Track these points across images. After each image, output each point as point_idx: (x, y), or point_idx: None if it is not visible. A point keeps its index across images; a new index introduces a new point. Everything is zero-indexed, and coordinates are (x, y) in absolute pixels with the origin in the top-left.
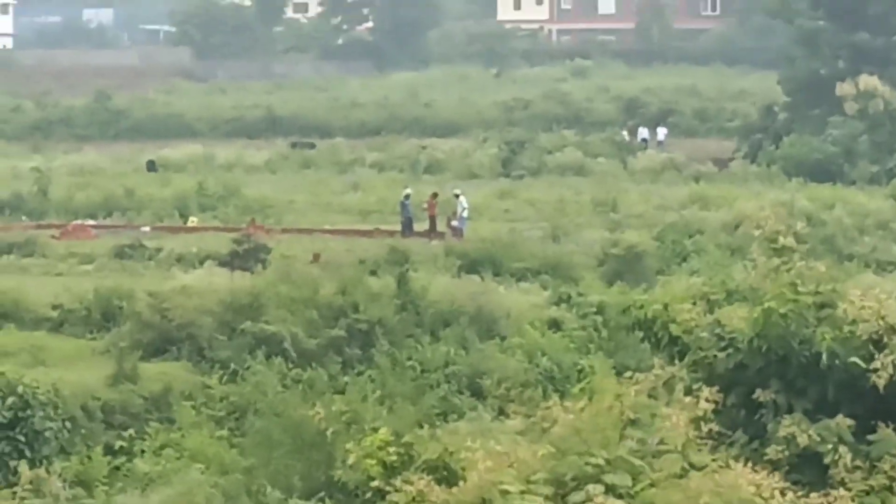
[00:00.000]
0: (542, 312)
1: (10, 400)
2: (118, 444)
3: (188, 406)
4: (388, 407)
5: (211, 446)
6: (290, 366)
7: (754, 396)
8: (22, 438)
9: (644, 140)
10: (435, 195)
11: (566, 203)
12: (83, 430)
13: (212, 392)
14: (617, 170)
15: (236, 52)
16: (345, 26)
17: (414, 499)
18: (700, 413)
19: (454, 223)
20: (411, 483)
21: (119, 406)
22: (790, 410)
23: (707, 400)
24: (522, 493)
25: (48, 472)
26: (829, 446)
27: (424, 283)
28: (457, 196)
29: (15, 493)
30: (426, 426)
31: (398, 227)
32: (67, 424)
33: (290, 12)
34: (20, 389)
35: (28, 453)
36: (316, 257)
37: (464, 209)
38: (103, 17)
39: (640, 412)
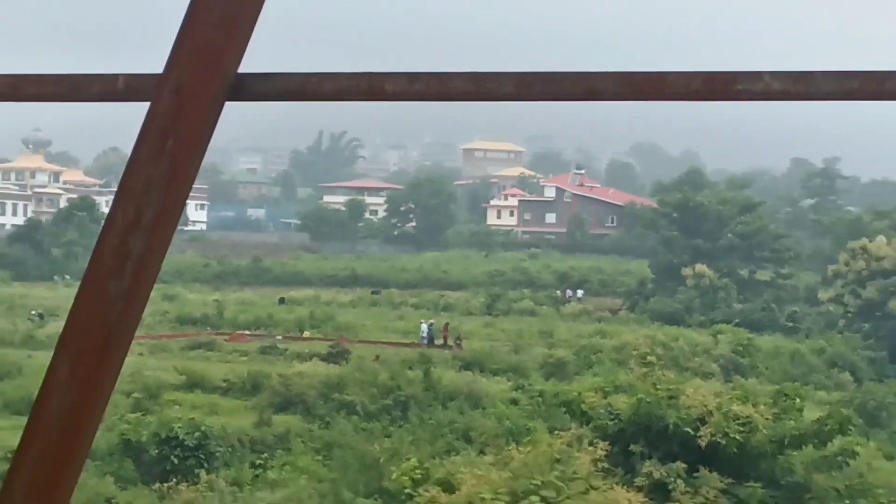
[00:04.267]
0: (507, 394)
1: (196, 434)
2: (258, 462)
3: (300, 441)
4: (416, 446)
5: (312, 465)
6: (360, 420)
7: (630, 448)
8: (202, 456)
9: (570, 297)
10: (447, 325)
11: (523, 332)
12: (238, 453)
13: (313, 433)
14: (553, 313)
15: (335, 237)
16: (399, 224)
17: (429, 501)
18: (597, 456)
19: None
20: (428, 492)
21: (259, 440)
22: (650, 458)
23: (601, 449)
24: (493, 499)
25: (217, 477)
26: (672, 479)
27: (439, 375)
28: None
29: (198, 489)
30: (438, 458)
31: (425, 343)
32: (229, 449)
33: (367, 214)
34: (203, 428)
35: (205, 465)
36: (377, 358)
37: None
38: (259, 213)
39: (562, 455)
